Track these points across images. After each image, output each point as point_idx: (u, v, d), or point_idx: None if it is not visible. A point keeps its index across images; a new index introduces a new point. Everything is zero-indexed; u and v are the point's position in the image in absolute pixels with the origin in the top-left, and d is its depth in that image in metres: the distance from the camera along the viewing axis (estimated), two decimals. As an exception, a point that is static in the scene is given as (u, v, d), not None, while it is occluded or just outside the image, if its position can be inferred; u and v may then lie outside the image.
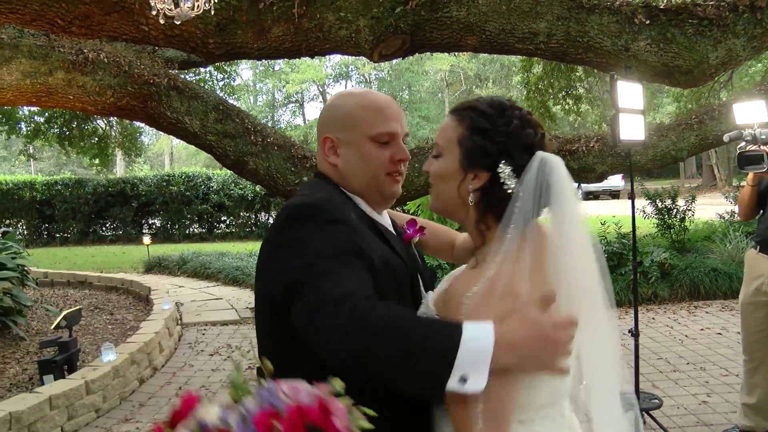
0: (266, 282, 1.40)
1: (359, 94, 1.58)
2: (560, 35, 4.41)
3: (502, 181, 1.35)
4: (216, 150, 7.06)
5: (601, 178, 7.48)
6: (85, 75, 6.27)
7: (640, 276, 8.09)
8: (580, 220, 1.38)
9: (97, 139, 14.27)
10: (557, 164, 1.36)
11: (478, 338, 1.14)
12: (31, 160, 29.59)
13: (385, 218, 1.63)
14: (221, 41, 5.25)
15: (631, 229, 8.91)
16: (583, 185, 26.73)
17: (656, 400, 4.39)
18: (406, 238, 1.70)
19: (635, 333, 3.88)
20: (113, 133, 14.73)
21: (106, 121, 13.90)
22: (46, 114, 12.90)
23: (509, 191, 1.34)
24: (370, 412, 0.95)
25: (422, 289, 1.58)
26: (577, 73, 13.28)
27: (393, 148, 1.54)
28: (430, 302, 1.45)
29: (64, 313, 5.18)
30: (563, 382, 1.36)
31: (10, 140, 16.41)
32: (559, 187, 1.34)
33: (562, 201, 1.35)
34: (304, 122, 43.18)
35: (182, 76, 14.18)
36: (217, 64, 13.77)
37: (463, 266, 1.54)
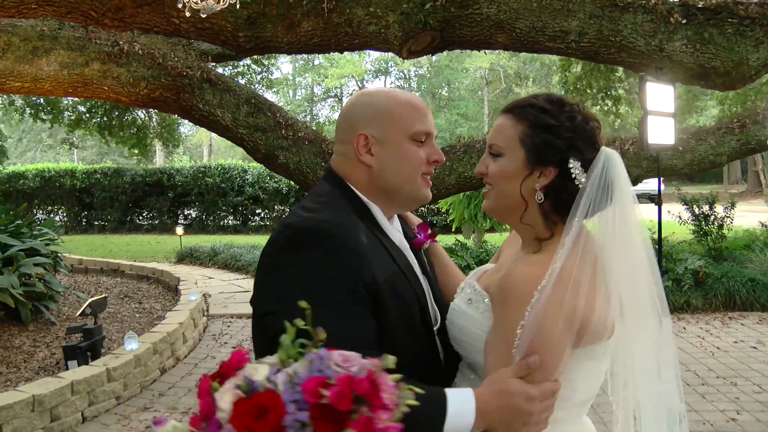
0: (258, 299, 1.36)
1: (391, 92, 1.52)
2: (592, 34, 4.29)
3: (573, 176, 1.36)
4: (247, 143, 7.11)
5: (635, 182, 7.29)
6: (120, 66, 6.37)
7: (672, 284, 7.90)
8: (637, 220, 1.39)
9: (135, 129, 14.54)
10: (619, 161, 1.38)
11: (460, 413, 1.21)
12: (75, 148, 30.37)
13: (395, 223, 1.57)
14: (251, 35, 5.27)
15: (666, 236, 8.68)
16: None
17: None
18: (417, 243, 1.64)
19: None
20: (152, 124, 15.00)
21: (145, 112, 14.14)
22: (88, 104, 13.20)
23: (580, 186, 1.36)
24: (419, 390, 0.97)
25: (431, 300, 1.54)
26: (617, 74, 13.02)
27: (428, 148, 1.49)
28: (477, 286, 1.45)
29: (90, 300, 5.28)
30: (597, 382, 1.40)
31: (55, 129, 16.83)
32: (621, 184, 1.36)
33: (623, 198, 1.36)
34: (343, 117, 43.26)
35: (220, 70, 14.38)
36: (254, 57, 13.91)
37: (517, 251, 1.52)
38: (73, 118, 14.02)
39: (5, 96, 12.84)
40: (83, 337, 5.14)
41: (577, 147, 1.36)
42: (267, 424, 0.82)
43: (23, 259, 6.23)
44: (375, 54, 37.66)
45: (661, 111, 3.60)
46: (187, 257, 12.55)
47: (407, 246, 1.56)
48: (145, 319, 7.23)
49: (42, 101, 13.04)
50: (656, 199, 3.60)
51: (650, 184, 20.97)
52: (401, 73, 42.30)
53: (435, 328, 1.51)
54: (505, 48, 4.68)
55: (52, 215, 19.93)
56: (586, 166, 1.36)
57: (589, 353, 1.32)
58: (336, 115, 43.84)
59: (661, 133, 3.58)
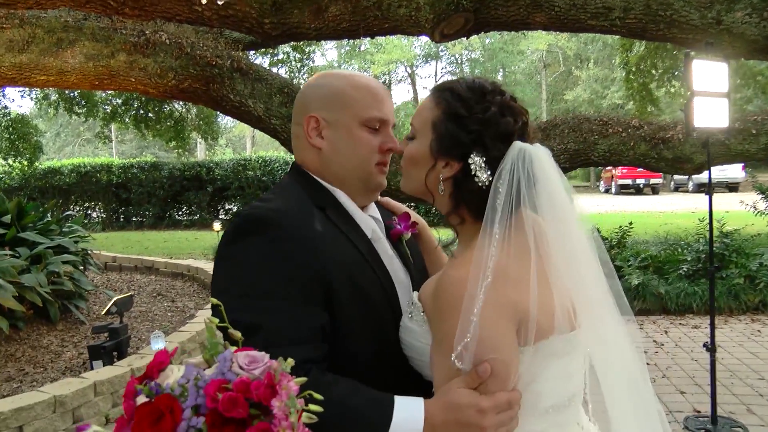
0: (212, 290, 1.40)
1: (347, 74, 1.55)
2: (639, 9, 4.17)
3: (473, 173, 1.33)
4: (281, 134, 7.18)
5: (699, 169, 7.08)
6: (147, 57, 6.52)
7: (745, 281, 7.63)
8: (572, 215, 1.35)
9: (173, 121, 14.86)
10: (539, 155, 1.33)
11: (406, 422, 1.20)
12: (114, 142, 31.25)
13: (372, 210, 1.60)
14: (277, 21, 5.34)
15: (737, 228, 8.36)
16: (694, 177, 25.41)
17: (739, 429, 4.08)
18: (394, 233, 1.64)
19: (711, 347, 3.64)
20: (190, 116, 15.30)
21: (182, 104, 14.44)
22: (124, 96, 13.57)
23: (480, 184, 1.32)
24: (317, 408, 0.96)
25: (410, 295, 1.53)
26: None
27: (382, 136, 1.51)
28: (414, 298, 1.44)
29: (115, 298, 5.45)
30: (568, 382, 1.35)
31: (93, 123, 17.39)
32: (543, 179, 1.31)
33: (549, 194, 1.32)
34: (391, 105, 43.35)
35: (258, 59, 14.49)
36: (294, 44, 14.03)
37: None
38: (108, 110, 14.43)
39: (39, 90, 13.32)
40: (109, 337, 5.31)
41: (483, 143, 1.32)
42: (162, 430, 0.84)
43: (51, 256, 6.48)
44: (424, 38, 37.59)
45: (712, 91, 3.46)
46: (224, 254, 12.77)
47: (381, 236, 1.57)
48: (177, 318, 7.40)
49: (76, 94, 13.46)
50: (707, 188, 3.48)
51: (729, 172, 19.98)
52: (452, 58, 42.10)
53: None
54: (545, 28, 4.61)
55: (88, 211, 20.56)
56: (494, 164, 1.32)
57: (545, 350, 1.28)
58: (383, 104, 44.19)
59: (712, 115, 3.45)
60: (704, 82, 3.44)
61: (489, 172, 1.32)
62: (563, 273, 1.30)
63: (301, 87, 1.60)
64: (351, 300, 1.36)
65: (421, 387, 1.39)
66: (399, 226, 1.66)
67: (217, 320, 1.01)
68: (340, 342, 1.34)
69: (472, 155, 1.33)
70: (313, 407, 0.93)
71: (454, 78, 1.51)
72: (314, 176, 1.52)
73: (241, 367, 0.91)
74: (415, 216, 1.74)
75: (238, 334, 1.01)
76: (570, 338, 1.31)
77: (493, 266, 1.23)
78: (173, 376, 0.92)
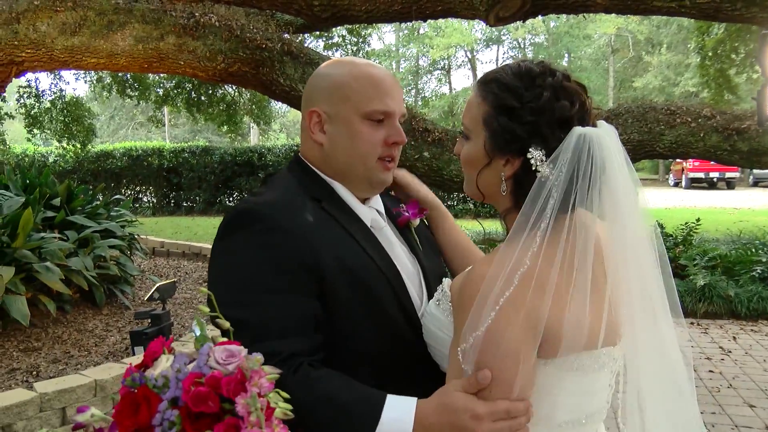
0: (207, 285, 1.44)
1: (351, 63, 1.53)
2: (711, -11, 4.01)
3: (534, 168, 1.27)
4: (331, 121, 7.18)
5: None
6: (196, 40, 6.62)
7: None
8: (634, 214, 1.28)
9: (225, 105, 15.08)
10: (603, 138, 1.27)
11: (396, 421, 1.20)
12: (167, 126, 31.94)
13: (374, 202, 1.60)
14: (327, 3, 5.36)
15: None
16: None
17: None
18: (401, 221, 1.64)
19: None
20: (242, 100, 15.49)
21: (234, 88, 14.61)
22: (176, 79, 13.82)
23: (543, 179, 1.26)
24: (287, 406, 0.99)
25: (420, 283, 1.53)
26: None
27: (387, 129, 1.49)
28: (445, 286, 1.43)
29: (158, 284, 5.59)
30: (592, 398, 1.31)
31: (147, 106, 17.77)
32: (608, 167, 1.25)
33: (611, 191, 1.26)
34: (450, 91, 43.17)
35: (313, 43, 14.53)
36: (349, 27, 14.07)
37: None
38: (160, 93, 14.73)
39: (93, 73, 13.69)
40: (151, 323, 5.45)
41: (540, 133, 1.27)
42: (137, 422, 0.86)
43: (98, 241, 6.68)
44: (485, 20, 37.14)
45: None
46: (273, 242, 12.92)
47: (384, 225, 1.57)
48: (221, 306, 7.55)
49: (129, 77, 13.77)
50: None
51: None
52: (515, 42, 41.55)
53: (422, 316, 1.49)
54: (606, 10, 4.48)
55: (139, 195, 21.08)
56: (552, 154, 1.26)
57: (569, 364, 1.24)
58: (444, 89, 43.67)
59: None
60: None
61: (551, 165, 1.26)
62: (614, 283, 1.25)
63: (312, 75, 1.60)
64: (349, 292, 1.37)
65: (436, 380, 1.36)
66: (407, 213, 1.66)
67: (207, 310, 1.06)
68: (339, 331, 1.36)
69: (530, 149, 1.28)
70: (282, 405, 0.96)
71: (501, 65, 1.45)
72: (314, 169, 1.53)
73: (217, 362, 0.95)
74: (429, 196, 1.73)
75: (226, 324, 1.05)
76: (599, 354, 1.27)
77: (525, 272, 1.19)
78: (161, 366, 0.97)
